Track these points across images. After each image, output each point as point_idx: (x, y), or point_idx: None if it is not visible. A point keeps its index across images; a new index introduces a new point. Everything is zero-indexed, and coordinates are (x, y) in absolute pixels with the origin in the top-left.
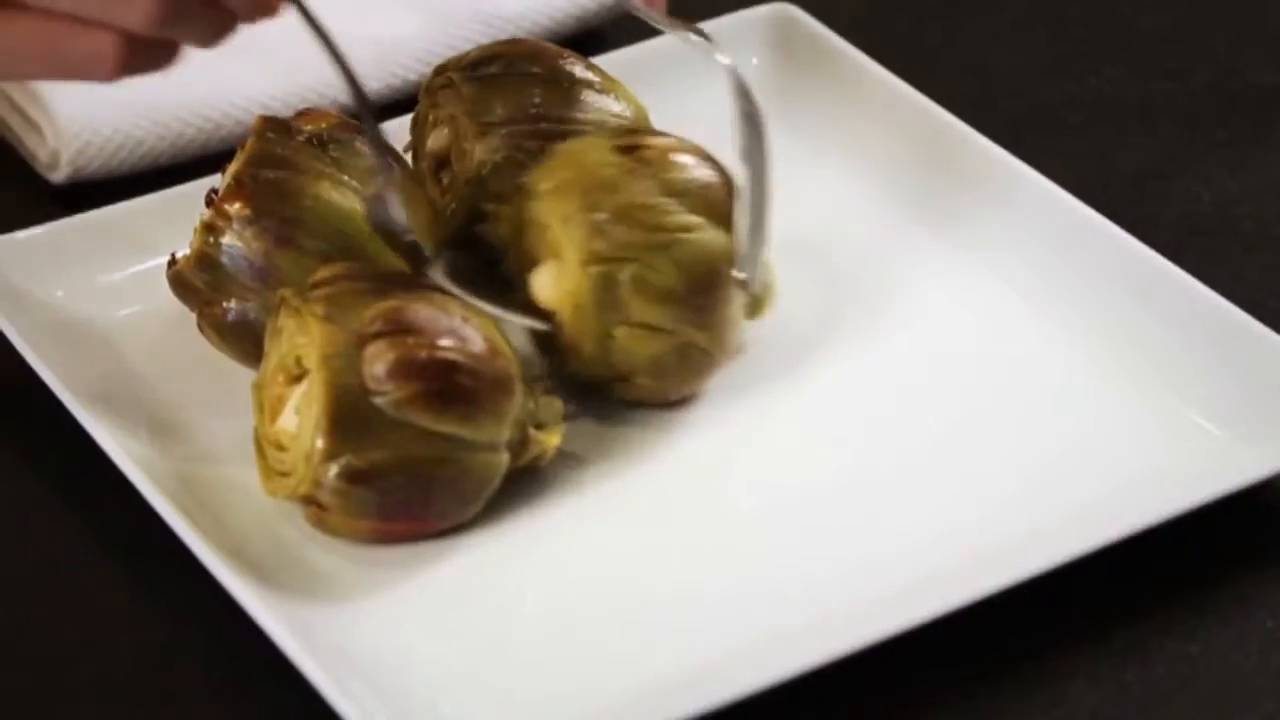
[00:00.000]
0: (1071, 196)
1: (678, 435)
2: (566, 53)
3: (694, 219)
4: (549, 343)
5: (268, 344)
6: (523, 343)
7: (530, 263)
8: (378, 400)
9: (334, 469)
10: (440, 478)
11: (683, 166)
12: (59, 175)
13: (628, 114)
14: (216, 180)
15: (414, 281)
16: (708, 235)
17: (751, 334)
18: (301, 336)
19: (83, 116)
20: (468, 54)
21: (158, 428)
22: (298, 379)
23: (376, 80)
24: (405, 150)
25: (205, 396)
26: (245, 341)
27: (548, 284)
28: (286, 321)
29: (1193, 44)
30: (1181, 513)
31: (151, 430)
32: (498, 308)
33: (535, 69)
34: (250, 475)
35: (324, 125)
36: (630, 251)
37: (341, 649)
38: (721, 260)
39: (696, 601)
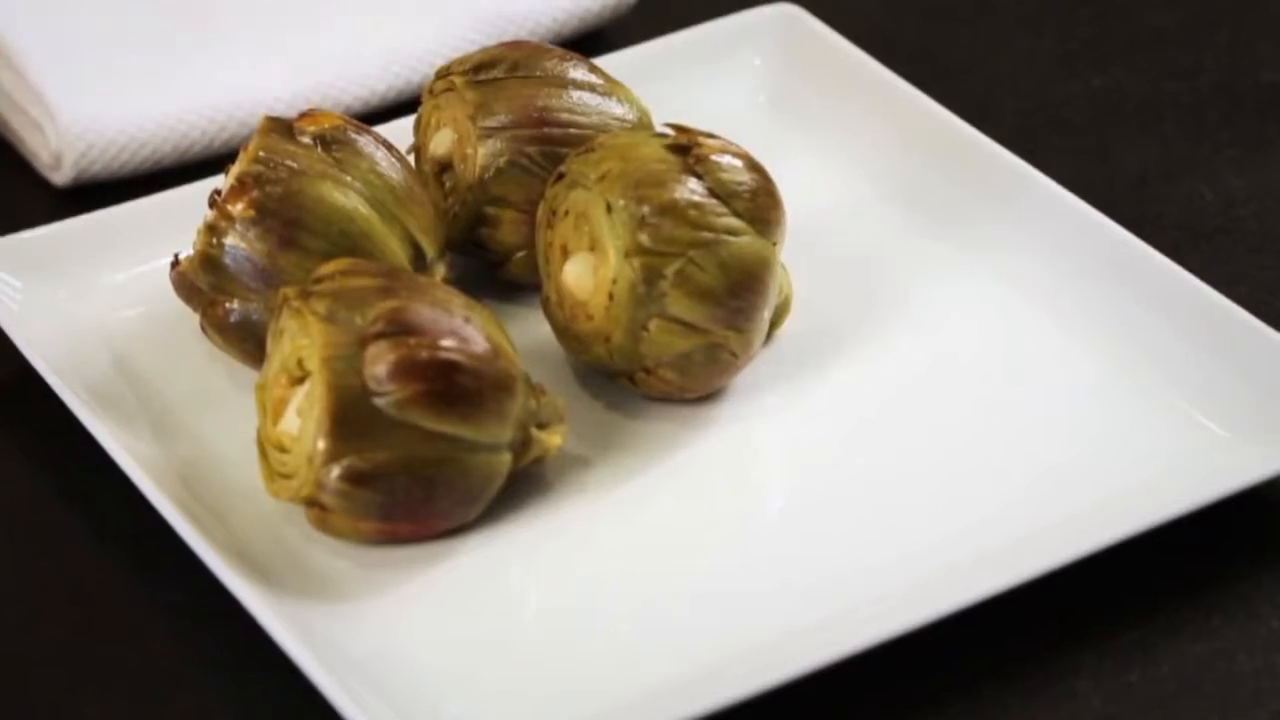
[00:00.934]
0: (1075, 196)
1: (682, 435)
2: (569, 55)
3: (738, 222)
4: (569, 329)
5: (270, 345)
6: (531, 338)
7: (559, 251)
8: (379, 401)
9: (336, 470)
10: (442, 478)
11: (731, 170)
12: (62, 176)
13: (631, 116)
14: (219, 181)
15: (416, 281)
16: (751, 240)
17: None
18: (303, 338)
19: (86, 117)
20: (470, 56)
21: (160, 428)
22: (300, 381)
23: (380, 82)
24: (408, 152)
25: (208, 397)
26: (248, 342)
27: (584, 272)
28: (289, 323)
29: (1198, 44)
30: (1185, 512)
31: (154, 431)
32: None
33: (538, 72)
34: (253, 476)
35: (327, 126)
36: (676, 247)
37: (344, 650)
38: (761, 266)
39: (700, 601)
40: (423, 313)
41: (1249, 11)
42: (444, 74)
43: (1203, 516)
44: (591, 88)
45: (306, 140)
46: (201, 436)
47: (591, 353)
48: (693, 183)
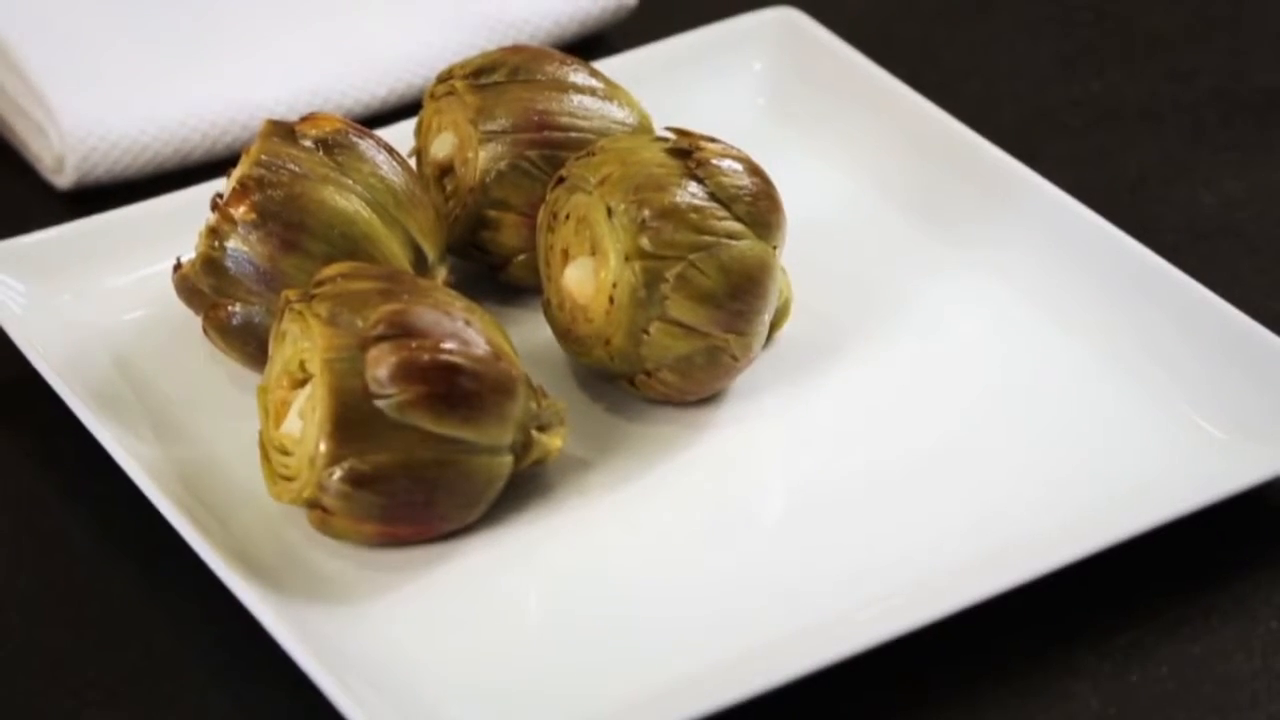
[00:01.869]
0: (1075, 199)
1: (682, 438)
2: (569, 59)
3: (739, 226)
4: (570, 332)
5: (272, 348)
6: (532, 341)
7: (559, 255)
8: (381, 403)
9: (338, 473)
10: (443, 480)
11: (732, 173)
12: (64, 179)
13: (631, 120)
14: (221, 184)
15: (417, 284)
16: (752, 243)
17: None
18: (305, 340)
19: (88, 121)
20: (471, 60)
21: (163, 431)
22: (301, 383)
23: (381, 85)
24: (410, 155)
25: (210, 400)
26: (250, 345)
27: (585, 275)
28: (290, 325)
29: (1196, 47)
30: (1184, 514)
31: (157, 433)
32: None
33: (538, 76)
34: (255, 479)
35: (329, 129)
36: (676, 250)
37: (346, 651)
38: (762, 269)
39: (699, 602)
40: (424, 315)
41: (1247, 15)
42: (445, 78)
43: (1201, 518)
44: (592, 91)
45: (308, 144)
46: (203, 439)
47: (592, 355)
48: (693, 186)
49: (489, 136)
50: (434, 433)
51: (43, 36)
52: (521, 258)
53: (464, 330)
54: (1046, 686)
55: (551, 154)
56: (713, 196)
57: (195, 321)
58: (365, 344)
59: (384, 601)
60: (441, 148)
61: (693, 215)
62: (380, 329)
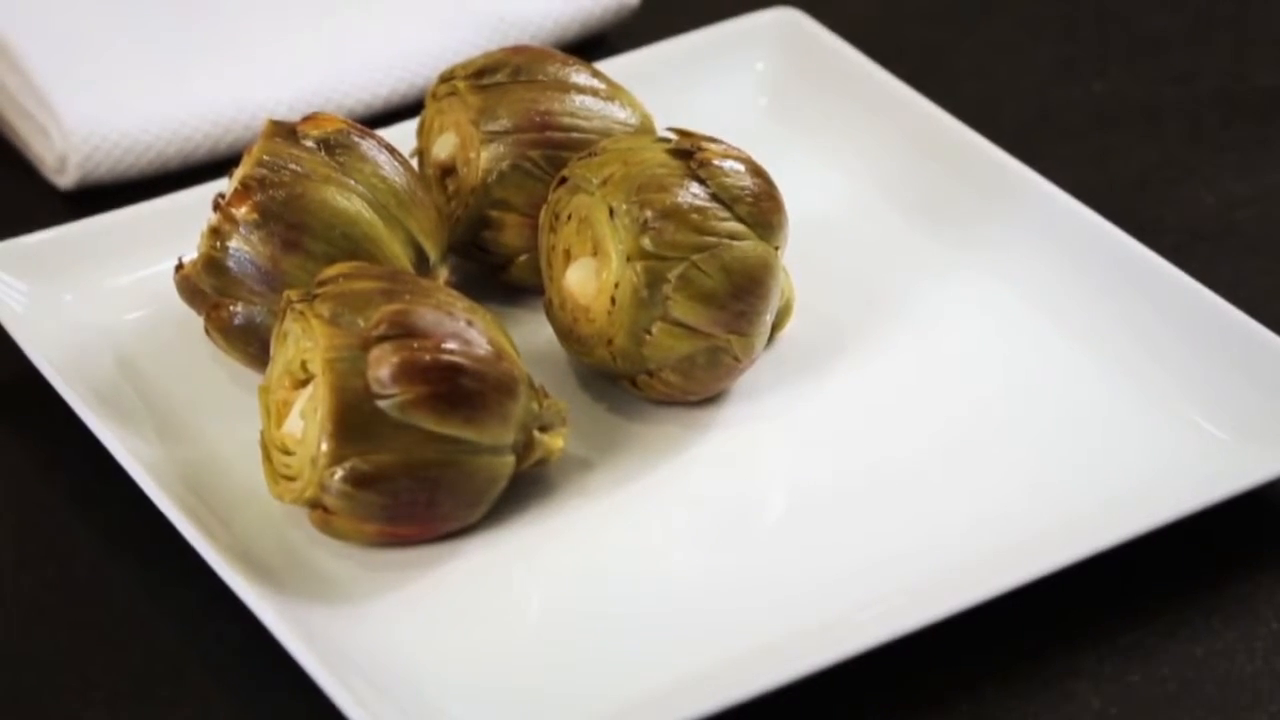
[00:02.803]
0: (1076, 200)
1: (684, 438)
2: (571, 59)
3: (741, 227)
4: (572, 332)
5: (274, 348)
6: (534, 341)
7: (561, 255)
8: (382, 404)
9: (339, 473)
10: (445, 481)
11: (734, 174)
12: (66, 180)
13: (633, 121)
14: (223, 184)
15: (418, 284)
16: (754, 244)
17: None
18: (306, 340)
19: (90, 121)
20: (473, 61)
21: (165, 431)
22: (303, 383)
23: (383, 86)
24: (411, 155)
25: (212, 400)
26: (252, 345)
27: (587, 276)
28: (292, 326)
29: (1198, 48)
30: (1185, 515)
31: (158, 433)
32: None
33: (540, 76)
34: (257, 479)
35: (330, 130)
36: (678, 251)
37: (347, 651)
38: (764, 270)
39: (701, 602)
40: (426, 315)
41: (1248, 16)
42: (447, 78)
43: (1203, 518)
44: (594, 92)
45: (310, 144)
46: (205, 439)
47: (594, 356)
48: (695, 187)
49: (491, 137)
50: (436, 433)
51: (45, 36)
52: (523, 258)
53: (466, 330)
54: (1047, 687)
55: (553, 154)
56: (715, 197)
57: (197, 321)
58: (367, 344)
59: (386, 601)
60: (443, 148)
61: (694, 216)
62: (382, 329)
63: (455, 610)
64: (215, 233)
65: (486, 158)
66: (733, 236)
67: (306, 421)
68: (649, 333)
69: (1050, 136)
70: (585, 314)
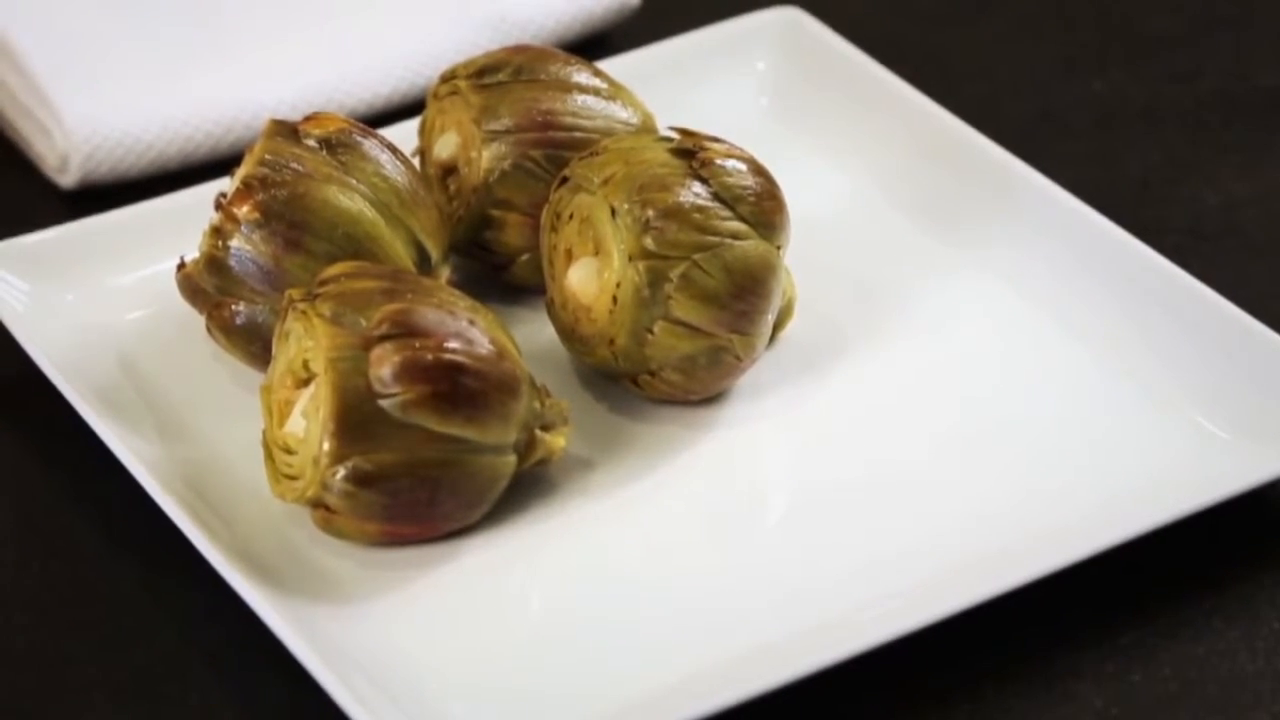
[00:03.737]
0: (1077, 200)
1: (685, 437)
2: (573, 59)
3: (742, 226)
4: (574, 331)
5: (275, 347)
6: (535, 341)
7: (563, 254)
8: (384, 403)
9: (341, 472)
10: (447, 480)
11: (736, 174)
12: (68, 179)
13: (634, 120)
14: (225, 184)
15: (420, 283)
16: (755, 243)
17: None
18: (308, 340)
19: (92, 120)
20: (474, 60)
21: (166, 430)
22: (305, 383)
23: (384, 85)
24: (413, 155)
25: (214, 399)
26: (253, 344)
27: (588, 275)
28: (294, 325)
29: (1199, 48)
30: (1187, 514)
31: (160, 432)
32: None
33: (541, 76)
34: (259, 478)
35: (332, 129)
36: (680, 251)
37: (349, 650)
38: (765, 269)
39: (703, 603)
40: (427, 315)
41: (1250, 16)
42: (448, 78)
43: (1205, 518)
44: (595, 91)
45: (311, 143)
46: (207, 438)
47: (596, 355)
48: (697, 186)
49: (492, 136)
50: (437, 432)
51: (47, 36)
52: (525, 257)
53: (467, 330)
54: (1049, 687)
55: (555, 154)
56: (717, 197)
57: (199, 321)
58: (369, 343)
59: (387, 601)
60: (445, 147)
61: (696, 215)
62: (384, 328)
63: (456, 609)
64: (217, 232)
65: (488, 157)
66: (734, 236)
67: (308, 421)
68: (651, 332)
69: (1051, 136)
70: (587, 313)
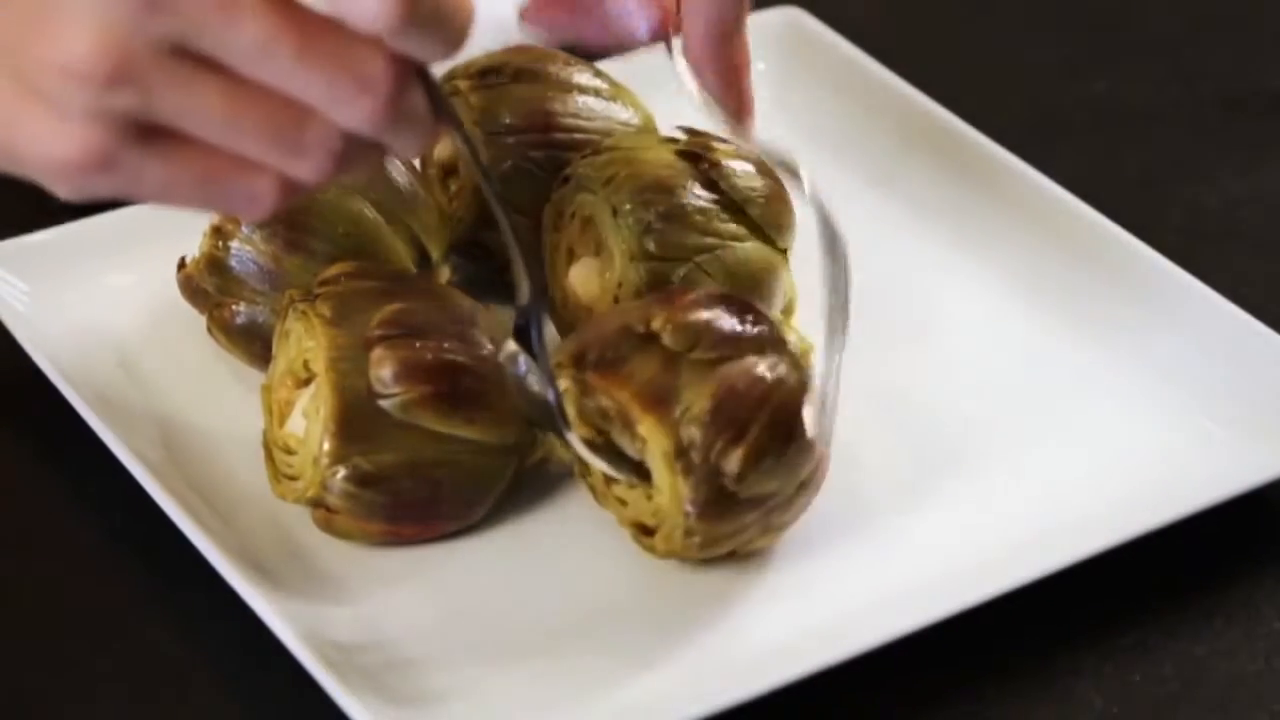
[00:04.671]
0: (1077, 199)
1: None
2: (574, 59)
3: (743, 229)
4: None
5: (276, 347)
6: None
7: (564, 254)
8: (384, 403)
9: (342, 472)
10: (447, 480)
11: (745, 175)
12: None
13: (635, 121)
14: None
15: (420, 283)
16: (757, 245)
17: None
18: (309, 340)
19: None
20: (475, 61)
21: (167, 430)
22: (305, 383)
23: None
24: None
25: (214, 399)
26: (254, 344)
27: (590, 275)
28: (294, 325)
29: (1200, 48)
30: (1188, 515)
31: (160, 432)
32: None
33: (543, 76)
34: (259, 478)
35: None
36: (682, 253)
37: (349, 650)
38: (767, 272)
39: (703, 602)
40: (427, 315)
41: (1250, 17)
42: (449, 78)
43: (1205, 517)
44: (596, 92)
45: None
46: (207, 438)
47: None
48: (699, 189)
49: (493, 137)
50: (438, 432)
51: None
52: None
53: (467, 330)
54: (1049, 686)
55: (556, 154)
56: (723, 198)
57: (199, 321)
58: (369, 343)
59: (387, 600)
60: (445, 148)
61: (698, 218)
62: (384, 329)
63: (457, 609)
64: (217, 232)
65: (488, 158)
66: (736, 239)
67: (309, 421)
68: None
69: (1051, 136)
70: (588, 313)
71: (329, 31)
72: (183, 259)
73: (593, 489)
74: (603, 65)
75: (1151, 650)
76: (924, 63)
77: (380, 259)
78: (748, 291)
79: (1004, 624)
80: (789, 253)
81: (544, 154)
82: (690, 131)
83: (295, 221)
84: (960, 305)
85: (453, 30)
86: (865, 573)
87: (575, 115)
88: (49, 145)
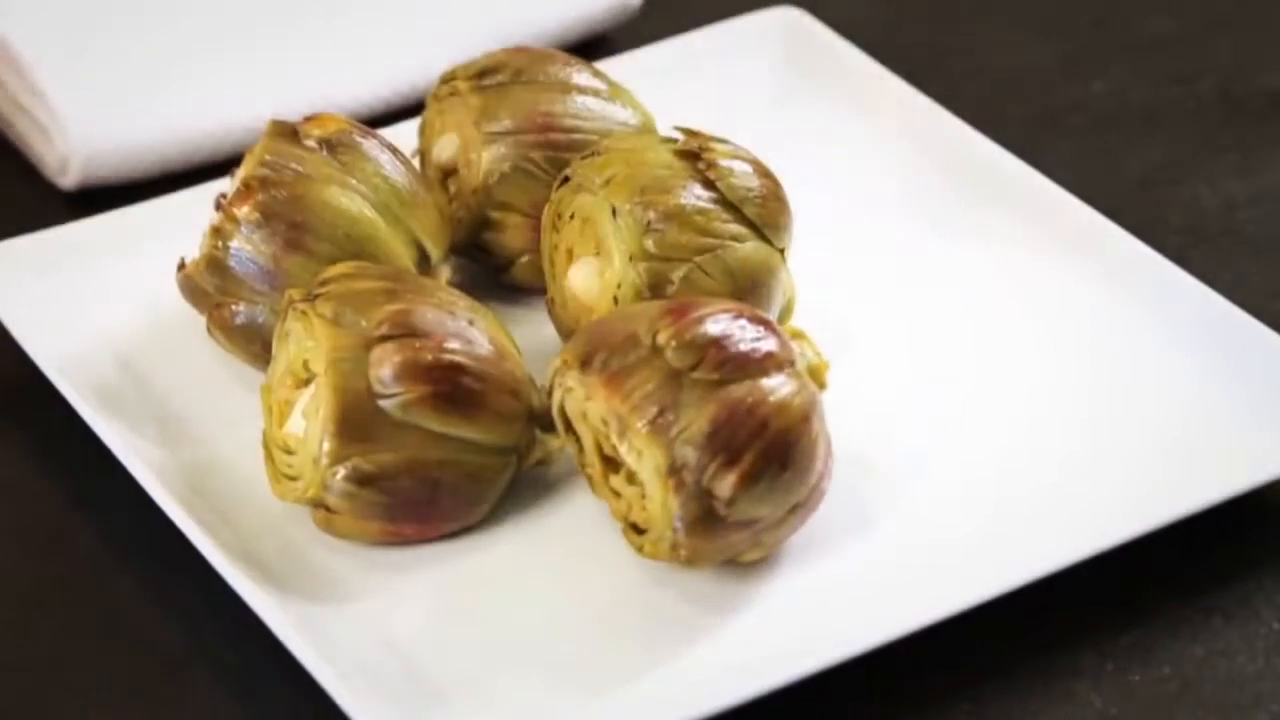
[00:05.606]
0: (1078, 199)
1: None
2: (573, 60)
3: (743, 229)
4: (574, 331)
5: (276, 347)
6: (536, 341)
7: (564, 254)
8: (385, 403)
9: (341, 472)
10: (447, 480)
11: (742, 175)
12: (69, 181)
13: (634, 121)
14: (225, 184)
15: (420, 283)
16: (757, 245)
17: None
18: (309, 340)
19: (92, 123)
20: (474, 61)
21: (166, 430)
22: (305, 383)
23: (385, 86)
24: (413, 156)
25: (214, 399)
26: (254, 344)
27: (589, 276)
28: (294, 325)
29: (1199, 48)
30: (1187, 515)
31: (160, 432)
32: None
33: (541, 77)
34: (259, 478)
35: (333, 130)
36: (682, 253)
37: (349, 650)
38: (766, 272)
39: (703, 602)
40: (427, 315)
41: (1250, 16)
42: (448, 79)
43: (1204, 517)
44: (595, 92)
45: (312, 144)
46: (207, 438)
47: None
48: (698, 189)
49: (492, 138)
50: (438, 432)
51: (47, 38)
52: (525, 259)
53: (468, 330)
54: (1048, 687)
55: (555, 155)
56: (720, 198)
57: (199, 321)
58: (369, 344)
59: (387, 600)
60: (445, 149)
61: (698, 218)
62: (384, 329)
63: (457, 609)
64: (217, 232)
65: (488, 159)
66: (735, 239)
67: (308, 421)
68: None
69: (1050, 136)
70: (588, 313)
71: None
72: (183, 259)
73: (590, 479)
74: (602, 65)
75: (1151, 650)
76: (923, 63)
77: (380, 259)
78: (747, 291)
79: (1003, 624)
80: (786, 252)
81: (543, 155)
82: (687, 131)
83: (295, 221)
84: (958, 305)
85: None
86: (865, 573)
87: (574, 115)
88: None
